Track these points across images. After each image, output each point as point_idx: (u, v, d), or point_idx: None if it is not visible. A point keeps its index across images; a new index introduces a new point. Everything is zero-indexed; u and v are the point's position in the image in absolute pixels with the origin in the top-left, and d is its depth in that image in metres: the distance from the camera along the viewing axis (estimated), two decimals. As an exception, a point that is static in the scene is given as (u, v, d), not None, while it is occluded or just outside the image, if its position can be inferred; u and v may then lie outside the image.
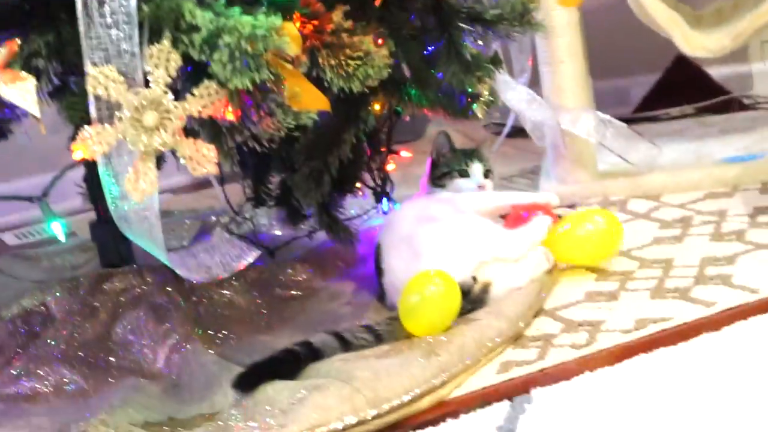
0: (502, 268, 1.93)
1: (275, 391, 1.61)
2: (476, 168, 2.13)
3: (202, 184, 3.08)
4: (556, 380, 1.60)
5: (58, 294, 2.05)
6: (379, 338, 1.79)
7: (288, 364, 1.70)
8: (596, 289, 1.96)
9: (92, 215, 2.24)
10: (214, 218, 2.63)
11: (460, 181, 2.13)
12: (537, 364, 1.68)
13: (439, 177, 2.15)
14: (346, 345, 1.76)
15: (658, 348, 1.64)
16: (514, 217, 2.08)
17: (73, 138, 2.10)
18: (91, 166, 1.91)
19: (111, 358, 1.91)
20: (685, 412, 1.43)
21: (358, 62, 1.63)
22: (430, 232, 1.94)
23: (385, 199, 2.44)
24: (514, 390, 1.60)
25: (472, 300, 1.87)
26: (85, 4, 1.46)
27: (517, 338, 1.79)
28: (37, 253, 2.60)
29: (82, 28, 1.47)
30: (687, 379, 1.53)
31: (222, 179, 2.34)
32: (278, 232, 2.47)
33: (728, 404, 1.43)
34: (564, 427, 1.45)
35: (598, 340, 1.73)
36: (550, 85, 2.56)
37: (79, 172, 2.17)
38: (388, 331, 1.80)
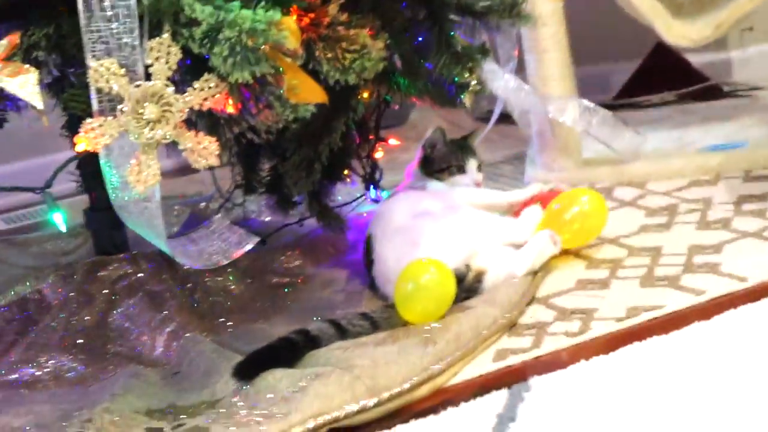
0: (503, 254, 1.96)
1: (275, 379, 1.62)
2: (472, 164, 2.18)
3: (188, 168, 3.05)
4: (552, 368, 1.63)
5: (52, 281, 2.05)
6: (375, 326, 1.81)
7: (286, 352, 1.72)
8: (587, 276, 1.99)
9: (84, 199, 2.23)
10: (203, 204, 2.62)
11: (457, 177, 2.18)
12: (532, 352, 1.71)
13: (437, 171, 2.18)
14: (342, 333, 1.78)
15: (651, 336, 1.67)
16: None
17: (64, 126, 2.14)
18: (87, 156, 1.91)
19: (108, 346, 1.91)
20: (678, 400, 1.46)
21: (355, 55, 1.64)
22: (425, 223, 1.97)
23: (373, 187, 2.47)
24: (511, 378, 1.63)
25: (466, 288, 1.90)
26: (86, -2, 1.47)
27: (511, 326, 1.82)
28: (26, 239, 2.59)
29: (82, 21, 1.48)
30: (680, 368, 1.57)
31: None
32: (267, 219, 2.49)
33: (720, 392, 1.47)
34: (562, 415, 1.48)
35: (591, 328, 1.75)
36: (535, 73, 2.57)
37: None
38: (385, 319, 1.83)
